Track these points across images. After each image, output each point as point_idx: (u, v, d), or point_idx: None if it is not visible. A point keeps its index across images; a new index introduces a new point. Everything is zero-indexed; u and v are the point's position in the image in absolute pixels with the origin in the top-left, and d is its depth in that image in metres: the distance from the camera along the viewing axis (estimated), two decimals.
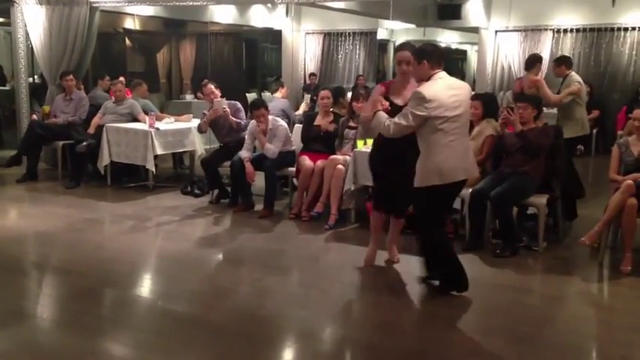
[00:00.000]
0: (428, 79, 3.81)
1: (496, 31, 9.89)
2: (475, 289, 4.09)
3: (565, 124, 5.95)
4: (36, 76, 8.79)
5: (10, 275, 4.40)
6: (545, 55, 9.32)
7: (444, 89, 3.77)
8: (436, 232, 4.03)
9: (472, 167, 4.05)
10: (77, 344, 3.35)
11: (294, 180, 6.16)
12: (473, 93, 4.98)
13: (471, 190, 4.97)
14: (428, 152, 3.79)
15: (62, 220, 5.70)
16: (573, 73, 6.32)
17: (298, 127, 6.53)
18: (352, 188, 5.49)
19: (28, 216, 6.07)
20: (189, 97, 11.81)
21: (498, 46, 9.99)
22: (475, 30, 10.52)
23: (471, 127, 5.33)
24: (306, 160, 5.85)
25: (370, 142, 5.56)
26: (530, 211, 5.39)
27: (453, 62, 18.66)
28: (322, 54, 11.43)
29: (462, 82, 4.05)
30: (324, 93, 6.24)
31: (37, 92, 8.60)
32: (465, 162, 3.90)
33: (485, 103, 5.38)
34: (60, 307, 3.98)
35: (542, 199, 4.94)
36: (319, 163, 5.77)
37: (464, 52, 18.26)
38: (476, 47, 14.95)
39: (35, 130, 7.31)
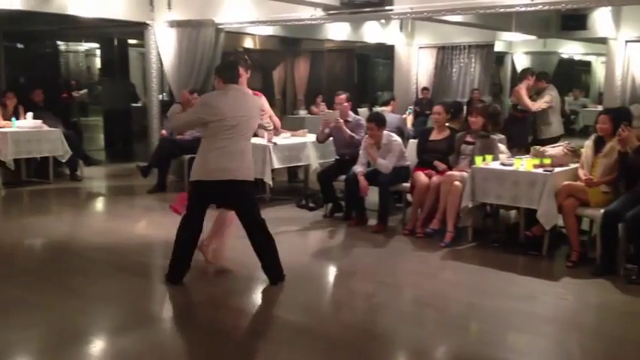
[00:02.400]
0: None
1: (626, 42, 9.24)
2: (605, 316, 3.82)
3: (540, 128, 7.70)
4: (164, 94, 9.42)
5: (138, 279, 4.72)
6: None
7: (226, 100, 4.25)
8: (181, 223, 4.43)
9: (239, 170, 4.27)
10: (199, 346, 3.52)
11: (409, 196, 6.10)
12: (601, 107, 4.72)
13: (603, 210, 4.66)
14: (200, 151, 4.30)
15: None
16: (551, 85, 7.85)
17: (413, 142, 6.48)
18: (470, 205, 5.34)
19: (158, 224, 6.47)
20: (302, 113, 12.13)
21: (629, 58, 9.33)
22: (602, 40, 9.90)
23: (603, 143, 5.03)
24: (422, 176, 5.78)
25: (490, 158, 5.42)
26: None
27: (576, 74, 17.72)
28: (435, 68, 11.26)
29: (247, 93, 4.55)
30: (436, 108, 6.16)
31: (166, 109, 9.22)
32: (232, 164, 4.24)
33: (615, 118, 5.03)
34: (182, 312, 4.21)
35: None
36: (435, 179, 5.68)
37: (587, 64, 17.28)
38: (602, 58, 14.13)
39: (165, 145, 7.84)
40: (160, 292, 4.58)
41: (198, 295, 4.45)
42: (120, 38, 11.90)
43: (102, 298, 4.27)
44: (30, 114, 8.17)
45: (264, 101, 4.61)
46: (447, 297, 4.41)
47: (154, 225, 6.40)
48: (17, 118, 8.12)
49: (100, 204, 7.92)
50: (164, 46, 8.59)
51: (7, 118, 8.10)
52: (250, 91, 4.71)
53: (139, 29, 8.90)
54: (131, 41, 12.39)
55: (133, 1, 8.41)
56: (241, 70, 4.51)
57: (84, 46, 13.81)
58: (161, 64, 8.81)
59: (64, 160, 8.28)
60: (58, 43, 12.37)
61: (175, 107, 7.86)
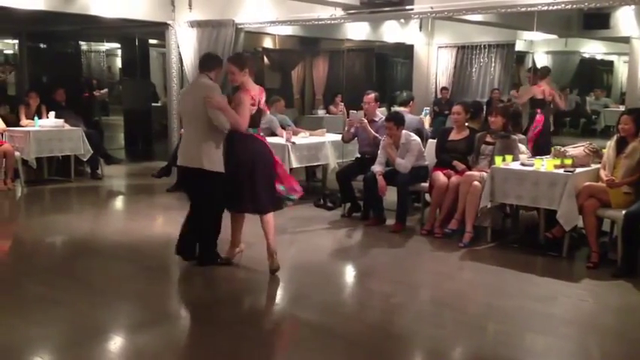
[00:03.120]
0: None
1: None
2: (626, 319, 3.77)
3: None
4: None
5: (157, 277, 4.77)
6: None
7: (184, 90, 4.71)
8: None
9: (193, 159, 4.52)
10: (217, 345, 3.55)
11: (427, 195, 6.08)
12: (623, 107, 4.67)
13: (624, 212, 4.60)
14: None
15: None
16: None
17: (432, 142, 6.45)
18: (489, 206, 5.30)
19: (176, 223, 6.49)
20: (321, 112, 12.14)
21: None
22: (625, 40, 9.77)
23: (626, 144, 4.96)
24: (440, 176, 5.75)
25: (510, 158, 5.38)
26: None
27: (598, 73, 17.48)
28: (455, 67, 11.20)
29: (200, 83, 4.61)
30: (456, 108, 6.12)
31: None
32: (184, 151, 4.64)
33: (638, 119, 4.96)
34: (201, 310, 4.23)
35: None
36: (454, 179, 5.65)
37: (610, 63, 17.03)
38: (624, 58, 13.91)
39: None
40: (178, 290, 4.62)
41: (216, 293, 4.49)
42: (141, 38, 12.02)
43: (121, 295, 4.32)
44: (52, 113, 8.30)
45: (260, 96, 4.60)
46: (466, 297, 4.39)
47: (173, 223, 6.43)
48: (40, 117, 8.25)
49: (120, 202, 8.01)
50: (184, 45, 8.66)
51: (30, 117, 8.23)
52: (256, 86, 4.64)
53: (159, 29, 8.98)
54: (152, 41, 12.50)
55: (155, 2, 8.49)
56: (233, 68, 4.49)
57: (105, 46, 13.97)
58: (181, 63, 8.88)
59: (85, 159, 8.39)
60: (80, 43, 12.53)
61: None
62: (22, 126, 8.10)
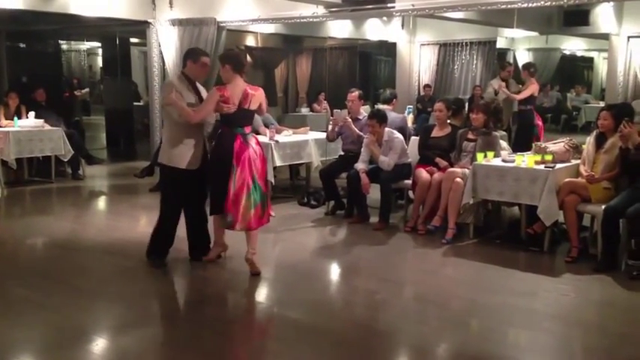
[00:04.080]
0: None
1: (628, 37, 9.23)
2: (607, 312, 3.83)
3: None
4: None
5: (141, 278, 4.72)
6: None
7: None
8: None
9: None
10: (202, 345, 3.54)
11: (410, 193, 6.10)
12: (603, 103, 4.74)
13: (604, 206, 4.66)
14: None
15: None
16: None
17: (414, 139, 6.48)
18: (471, 202, 5.34)
19: None
20: (304, 111, 12.13)
21: (631, 53, 9.32)
22: (605, 36, 9.89)
23: (605, 139, 5.02)
24: (423, 173, 5.78)
25: (491, 155, 5.42)
26: None
27: (578, 70, 17.69)
28: (437, 65, 11.26)
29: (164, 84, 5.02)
30: (438, 105, 6.15)
31: None
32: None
33: (617, 114, 5.02)
34: (185, 310, 4.22)
35: None
36: (436, 175, 5.69)
37: (590, 60, 17.25)
38: (604, 54, 14.10)
39: None
40: (162, 291, 4.59)
41: (200, 293, 4.47)
42: (122, 37, 11.90)
43: (105, 296, 4.28)
44: (32, 113, 8.18)
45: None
46: (449, 294, 4.42)
47: (154, 223, 6.41)
48: (19, 118, 8.14)
49: (102, 203, 7.93)
50: (166, 44, 8.60)
51: (9, 117, 8.11)
52: (241, 86, 4.53)
53: (140, 28, 8.90)
54: (133, 40, 12.39)
55: (135, 0, 8.42)
56: (220, 65, 4.54)
57: (86, 45, 13.81)
58: (163, 62, 8.81)
59: (66, 160, 8.30)
60: (60, 42, 12.38)
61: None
62: (1, 126, 7.98)
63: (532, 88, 8.64)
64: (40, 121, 8.13)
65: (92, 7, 7.92)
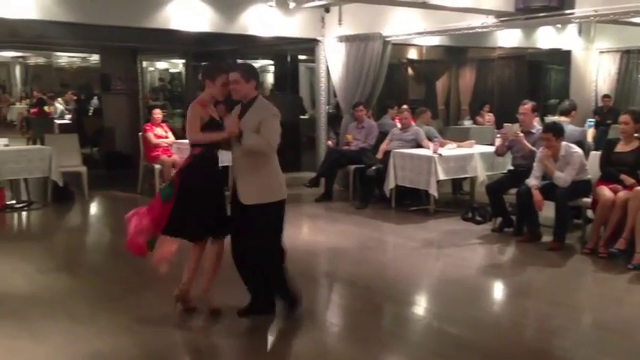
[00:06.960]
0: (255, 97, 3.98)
1: None
2: None
3: None
4: (329, 106, 9.71)
5: (304, 283, 4.86)
6: None
7: None
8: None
9: None
10: (358, 352, 3.56)
11: (589, 211, 5.64)
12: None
13: None
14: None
15: (352, 238, 6.16)
16: None
17: (594, 154, 5.99)
18: None
19: (323, 232, 6.70)
20: (467, 123, 11.80)
21: None
22: None
23: None
24: (606, 191, 5.32)
25: None
26: None
27: None
28: (619, 73, 10.38)
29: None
30: (623, 117, 5.62)
31: (331, 121, 9.53)
32: None
33: None
34: (345, 316, 4.29)
35: None
36: (621, 194, 5.20)
37: None
38: None
39: (332, 155, 8.09)
40: (323, 296, 4.69)
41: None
42: (292, 54, 12.53)
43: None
44: None
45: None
46: (635, 323, 4.00)
47: (320, 232, 6.64)
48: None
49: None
50: (333, 60, 8.89)
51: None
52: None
53: (309, 45, 9.31)
54: (301, 57, 13.01)
55: (307, 20, 8.83)
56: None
57: (259, 63, 14.78)
58: (329, 77, 9.12)
59: None
60: (238, 61, 13.38)
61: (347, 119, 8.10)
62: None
63: None
64: None
65: (268, 27, 8.46)
